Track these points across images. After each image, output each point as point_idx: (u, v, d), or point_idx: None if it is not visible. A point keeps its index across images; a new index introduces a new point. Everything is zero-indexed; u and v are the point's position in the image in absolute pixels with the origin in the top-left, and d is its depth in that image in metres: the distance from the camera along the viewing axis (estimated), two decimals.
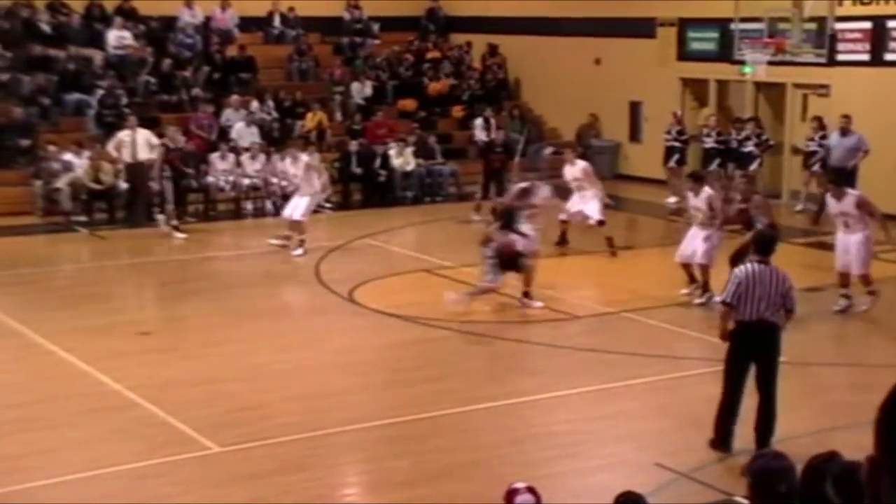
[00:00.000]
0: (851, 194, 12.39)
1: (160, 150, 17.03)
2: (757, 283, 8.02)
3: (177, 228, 16.61)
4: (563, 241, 15.70)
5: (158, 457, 8.28)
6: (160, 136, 17.75)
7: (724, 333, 8.35)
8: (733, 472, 7.24)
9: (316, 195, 15.96)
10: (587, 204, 15.38)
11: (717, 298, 12.13)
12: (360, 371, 10.64)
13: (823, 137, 18.14)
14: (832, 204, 12.34)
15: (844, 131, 17.05)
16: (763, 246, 8.38)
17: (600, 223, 15.32)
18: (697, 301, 12.61)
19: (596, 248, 15.41)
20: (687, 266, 12.88)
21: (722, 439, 8.29)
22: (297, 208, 15.55)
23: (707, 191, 12.86)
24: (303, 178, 15.75)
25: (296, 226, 15.46)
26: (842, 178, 15.77)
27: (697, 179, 13.26)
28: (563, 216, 15.54)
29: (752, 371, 8.25)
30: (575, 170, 15.61)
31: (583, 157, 20.89)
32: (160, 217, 17.02)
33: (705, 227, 12.60)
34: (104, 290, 13.95)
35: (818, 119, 18.53)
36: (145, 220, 17.90)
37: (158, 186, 16.82)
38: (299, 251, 15.25)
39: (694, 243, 12.67)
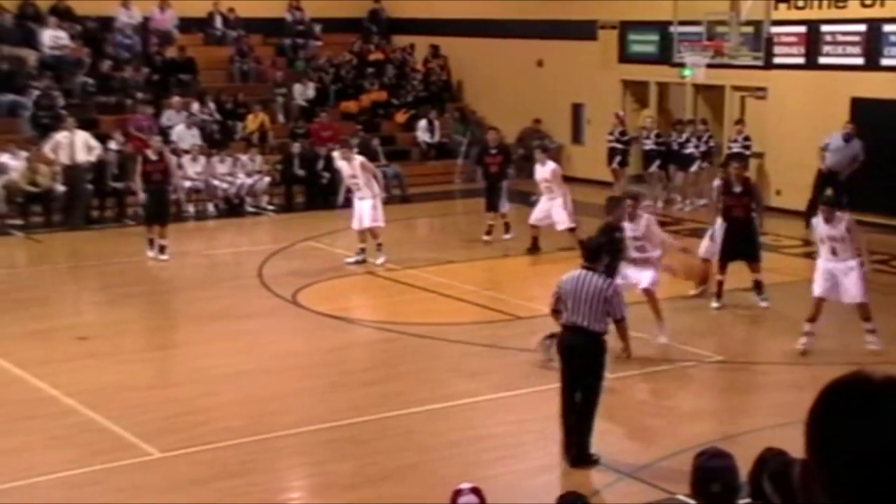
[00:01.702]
0: (843, 218, 10.92)
1: (139, 161, 15.45)
2: (575, 289, 7.91)
3: (151, 243, 15.19)
4: (534, 247, 15.30)
5: (97, 464, 8.13)
6: (142, 150, 16.21)
7: (558, 346, 8.26)
8: (676, 471, 7.30)
9: (378, 197, 14.80)
10: (555, 210, 15.19)
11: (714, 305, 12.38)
12: (303, 374, 10.55)
13: (747, 139, 18.53)
14: (821, 227, 10.79)
15: (848, 137, 16.69)
16: (590, 252, 8.21)
17: (571, 230, 14.91)
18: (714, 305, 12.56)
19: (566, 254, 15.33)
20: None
21: (565, 451, 8.09)
22: (364, 217, 14.54)
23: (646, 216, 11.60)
24: (362, 180, 14.65)
25: (374, 232, 14.66)
26: (837, 190, 15.98)
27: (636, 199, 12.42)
28: (531, 221, 15.34)
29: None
30: (545, 171, 15.42)
31: (526, 159, 21.00)
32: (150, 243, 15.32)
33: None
34: (40, 294, 13.67)
35: (741, 121, 18.91)
36: (83, 224, 17.61)
37: (143, 199, 15.18)
38: (382, 258, 14.62)
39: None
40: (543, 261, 15.30)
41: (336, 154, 20.23)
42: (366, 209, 14.58)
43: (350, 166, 14.86)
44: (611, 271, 9.76)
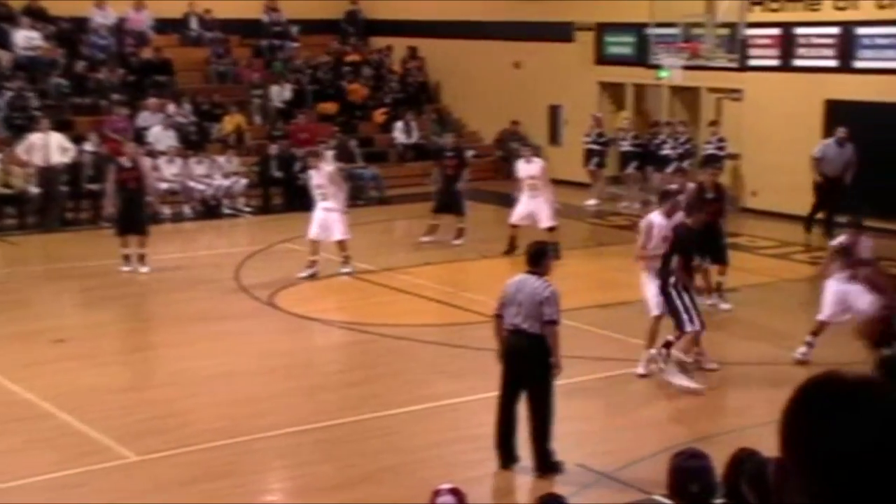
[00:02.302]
0: (867, 241, 10.66)
1: (112, 169, 14.71)
2: (515, 293, 7.90)
3: (126, 259, 14.48)
4: (511, 248, 15.03)
5: (75, 467, 8.09)
6: (118, 154, 15.55)
7: (499, 350, 8.11)
8: (654, 471, 7.35)
9: (343, 210, 14.33)
10: (538, 208, 15.08)
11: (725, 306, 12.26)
12: (281, 376, 10.54)
13: (721, 140, 18.64)
14: (845, 250, 10.30)
15: (842, 142, 16.56)
16: (533, 257, 8.16)
17: (550, 229, 14.83)
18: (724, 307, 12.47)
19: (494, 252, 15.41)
20: None
21: (500, 458, 8.01)
22: (334, 229, 14.12)
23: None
24: (330, 191, 14.17)
25: (343, 245, 14.27)
26: (837, 192, 16.00)
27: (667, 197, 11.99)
28: (513, 220, 15.24)
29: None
30: (531, 167, 15.31)
31: (505, 160, 21.03)
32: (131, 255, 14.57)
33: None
34: (16, 297, 13.58)
35: (715, 123, 19.05)
36: (58, 226, 17.50)
37: (111, 212, 14.62)
38: (348, 268, 14.28)
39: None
40: (521, 262, 15.30)
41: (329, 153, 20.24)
42: (334, 221, 14.08)
43: (318, 175, 14.34)
44: (687, 267, 10.08)
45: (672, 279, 9.93)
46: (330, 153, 20.29)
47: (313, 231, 14.14)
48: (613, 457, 8.42)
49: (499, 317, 8.02)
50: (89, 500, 7.59)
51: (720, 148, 18.83)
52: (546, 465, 7.96)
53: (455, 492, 5.49)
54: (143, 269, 14.32)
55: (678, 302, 9.90)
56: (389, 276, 14.42)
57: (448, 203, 16.33)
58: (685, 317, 9.87)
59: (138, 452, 8.37)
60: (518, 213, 15.24)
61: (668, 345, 10.14)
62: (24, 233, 17.17)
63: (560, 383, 10.20)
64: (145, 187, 14.60)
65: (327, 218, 14.10)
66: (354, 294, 13.75)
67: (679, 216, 10.38)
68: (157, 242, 16.84)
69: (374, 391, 10.02)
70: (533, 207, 15.10)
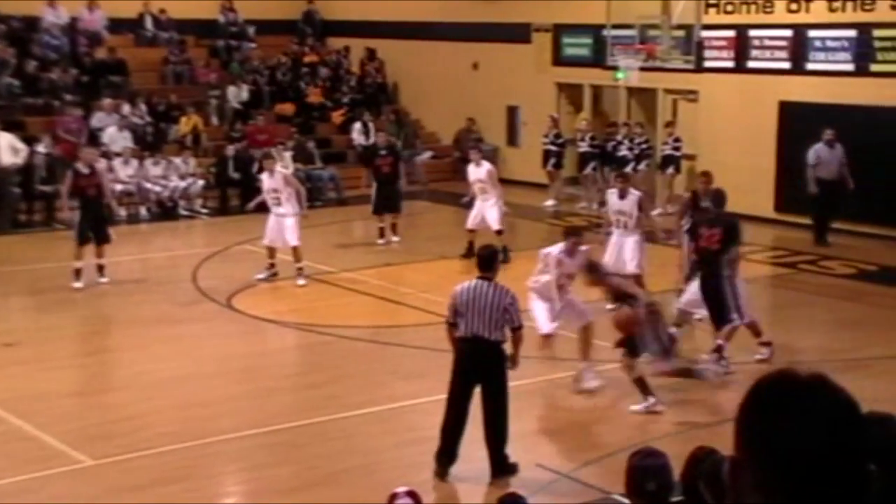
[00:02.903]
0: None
1: (68, 175, 13.91)
2: (472, 300, 7.80)
3: (77, 274, 13.54)
4: (470, 252, 14.64)
5: (27, 472, 7.97)
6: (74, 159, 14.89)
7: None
8: (613, 471, 7.38)
9: (299, 214, 13.97)
10: (488, 211, 15.09)
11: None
12: (239, 378, 10.45)
13: (677, 140, 18.78)
14: None
15: (831, 143, 16.38)
16: (484, 262, 8.12)
17: (498, 232, 14.86)
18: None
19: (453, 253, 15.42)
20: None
21: (440, 462, 7.92)
22: (288, 235, 13.77)
23: (635, 192, 12.44)
24: (284, 195, 13.82)
25: (297, 253, 13.90)
26: (837, 196, 15.84)
27: (625, 180, 12.75)
28: (469, 225, 15.22)
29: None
30: (480, 171, 15.32)
31: (462, 161, 21.05)
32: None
33: (632, 233, 12.13)
34: None
35: (671, 123, 19.22)
36: (10, 228, 17.23)
37: (67, 216, 13.94)
38: (303, 280, 13.86)
39: (623, 252, 12.10)
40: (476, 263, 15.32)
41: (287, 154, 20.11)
42: (288, 227, 13.74)
43: (272, 179, 13.95)
44: (732, 263, 10.26)
45: (726, 272, 10.26)
46: (288, 154, 20.23)
47: (267, 237, 13.94)
48: (571, 456, 8.45)
49: (452, 325, 7.91)
50: None
51: (676, 148, 19.03)
52: (504, 467, 7.96)
53: (412, 494, 5.48)
54: (103, 280, 13.71)
55: (729, 295, 10.19)
56: (348, 278, 14.37)
57: (387, 202, 16.42)
58: (733, 310, 10.23)
59: (92, 457, 8.25)
60: (472, 219, 15.26)
61: (719, 349, 10.38)
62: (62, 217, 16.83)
63: (518, 383, 10.23)
64: (104, 194, 13.99)
65: (280, 223, 13.81)
66: (313, 296, 13.67)
67: (582, 254, 10.15)
68: (112, 244, 16.63)
69: (332, 393, 9.97)
70: (483, 210, 15.13)
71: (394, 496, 5.42)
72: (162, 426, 9.03)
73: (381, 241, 16.37)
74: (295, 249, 13.90)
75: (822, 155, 16.50)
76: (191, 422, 9.14)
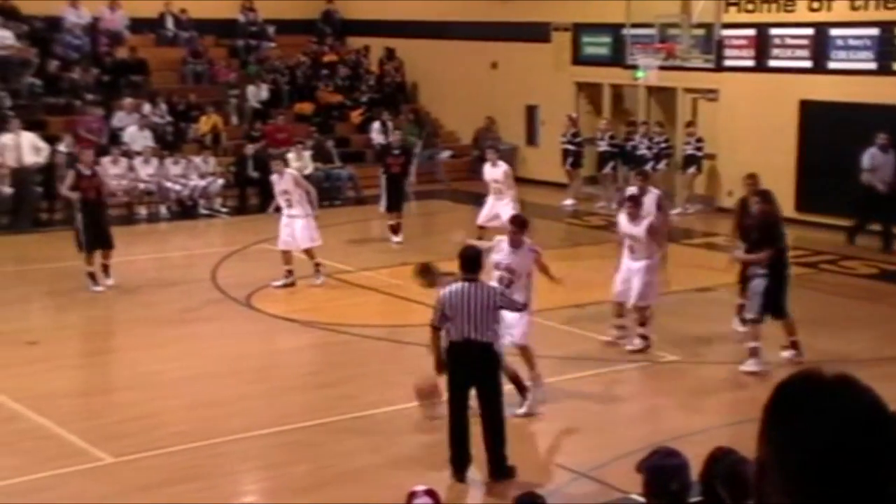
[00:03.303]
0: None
1: (71, 175, 13.49)
2: (461, 303, 7.66)
3: (93, 278, 13.39)
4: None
5: (46, 470, 8.01)
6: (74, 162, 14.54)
7: (438, 361, 7.88)
8: (631, 470, 7.35)
9: (311, 216, 13.79)
10: (503, 211, 15.15)
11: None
12: (257, 377, 10.48)
13: (700, 140, 18.71)
14: None
15: (885, 147, 16.01)
16: (469, 262, 7.92)
17: None
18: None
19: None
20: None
21: (455, 468, 7.85)
22: (299, 237, 13.59)
23: (654, 191, 11.93)
24: (295, 197, 13.69)
25: (311, 253, 13.78)
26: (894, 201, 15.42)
27: (645, 178, 12.34)
28: (479, 221, 15.24)
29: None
30: (496, 171, 15.37)
31: (480, 160, 21.08)
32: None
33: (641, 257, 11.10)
34: None
35: (691, 123, 19.13)
36: (31, 226, 17.33)
37: (76, 225, 13.40)
38: (320, 279, 13.77)
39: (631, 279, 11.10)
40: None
41: (291, 155, 20.17)
42: (298, 229, 13.57)
43: (282, 180, 13.85)
44: (780, 255, 10.29)
45: (761, 269, 10.32)
46: (307, 153, 20.29)
47: (281, 241, 13.82)
48: (590, 455, 8.41)
49: (437, 329, 7.79)
50: (60, 503, 7.51)
51: (699, 148, 18.93)
52: (503, 470, 7.88)
53: (431, 493, 5.47)
54: (109, 282, 13.44)
55: (761, 290, 10.25)
56: (366, 277, 14.37)
57: (398, 200, 16.57)
58: (759, 304, 10.25)
59: (111, 455, 8.29)
60: (485, 215, 15.27)
61: (795, 344, 10.48)
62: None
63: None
64: (105, 196, 13.78)
65: (292, 225, 13.71)
66: (330, 295, 13.69)
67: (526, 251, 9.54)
68: (132, 243, 16.73)
69: (349, 392, 9.97)
70: (499, 209, 15.12)
71: (413, 494, 5.41)
72: (179, 424, 9.06)
73: (395, 240, 16.46)
74: (308, 251, 13.78)
75: (878, 161, 16.14)
76: (207, 420, 9.17)
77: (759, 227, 10.60)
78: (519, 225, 9.69)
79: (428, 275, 9.76)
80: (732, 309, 12.56)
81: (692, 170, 19.01)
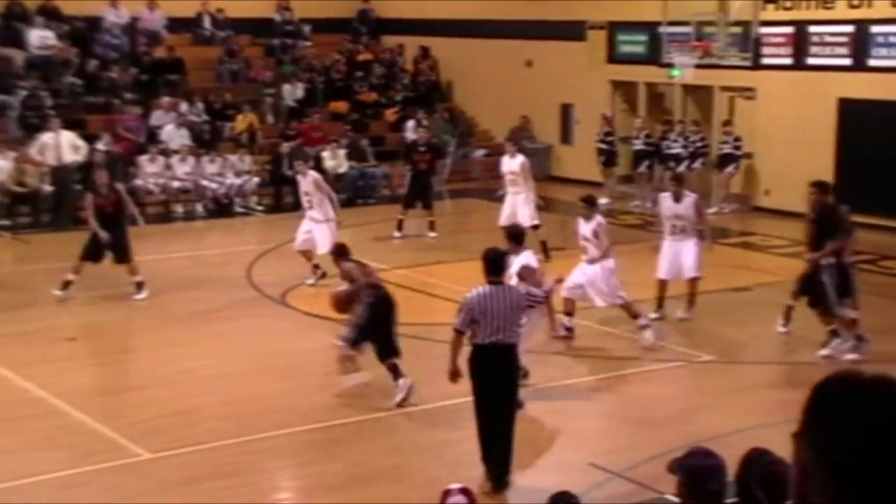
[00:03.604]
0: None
1: (89, 198, 13.41)
2: (490, 307, 7.62)
3: (66, 285, 13.00)
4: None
5: (86, 465, 8.11)
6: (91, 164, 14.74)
7: (454, 367, 7.83)
8: (665, 471, 7.31)
9: (331, 220, 13.73)
10: (520, 206, 15.12)
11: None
12: (291, 375, 10.54)
13: (738, 139, 18.59)
14: None
15: None
16: (494, 265, 7.90)
17: (535, 227, 14.84)
18: (682, 315, 12.09)
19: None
20: (663, 284, 12.05)
21: (489, 466, 7.79)
22: (319, 242, 13.44)
23: (691, 195, 12.17)
24: (315, 199, 13.70)
25: (306, 255, 13.76)
26: None
27: (679, 182, 12.45)
28: (502, 222, 15.35)
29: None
30: (513, 163, 15.38)
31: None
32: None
33: (689, 237, 11.86)
34: (28, 295, 13.61)
35: (728, 122, 18.98)
36: (70, 224, 17.54)
37: (105, 236, 13.07)
38: (311, 280, 13.69)
39: (681, 257, 11.85)
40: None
41: (326, 154, 20.29)
42: (318, 233, 13.47)
43: (304, 181, 13.87)
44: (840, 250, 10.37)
45: (827, 262, 10.44)
46: (342, 152, 20.39)
47: (298, 241, 13.74)
48: (624, 455, 8.39)
49: (461, 333, 7.72)
50: (98, 498, 7.61)
51: (736, 147, 18.77)
52: (505, 482, 7.78)
53: (465, 491, 5.48)
54: (140, 296, 13.17)
55: (830, 285, 10.43)
56: (401, 275, 14.40)
57: (418, 198, 16.72)
58: (832, 300, 10.47)
59: (149, 451, 8.38)
60: (504, 215, 15.21)
61: (860, 338, 10.64)
62: (37, 231, 17.22)
63: (570, 382, 10.21)
64: (124, 213, 13.63)
65: (312, 229, 13.66)
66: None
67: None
68: (168, 241, 16.90)
69: (381, 390, 9.99)
70: (515, 206, 15.06)
71: (447, 493, 5.42)
72: (214, 421, 9.14)
73: (397, 234, 16.66)
74: (304, 253, 13.61)
75: None
76: (242, 417, 9.24)
77: (820, 220, 10.54)
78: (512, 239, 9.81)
79: (338, 254, 10.08)
80: (769, 308, 12.48)
81: (730, 169, 18.87)
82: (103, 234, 13.05)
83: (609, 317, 12.17)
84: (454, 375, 7.84)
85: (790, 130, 18.15)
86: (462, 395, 9.70)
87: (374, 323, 9.42)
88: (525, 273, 9.29)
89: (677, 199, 11.98)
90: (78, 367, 10.58)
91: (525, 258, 9.58)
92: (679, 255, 11.92)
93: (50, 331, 11.80)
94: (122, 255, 13.29)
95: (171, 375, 10.45)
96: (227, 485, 7.87)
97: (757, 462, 4.25)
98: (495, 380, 7.76)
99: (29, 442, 8.62)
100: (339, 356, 9.68)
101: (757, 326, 12.24)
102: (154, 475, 8.04)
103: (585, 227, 11.54)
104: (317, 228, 13.66)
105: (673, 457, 4.27)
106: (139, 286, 13.26)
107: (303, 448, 8.72)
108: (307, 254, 13.80)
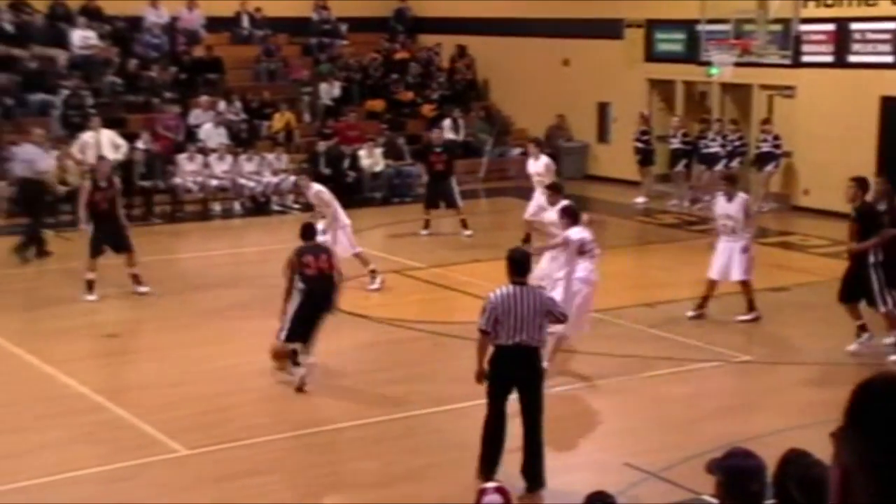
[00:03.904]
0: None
1: (86, 187, 13.47)
2: (513, 307, 7.56)
3: (90, 286, 13.13)
4: (527, 241, 15.19)
5: (126, 460, 8.22)
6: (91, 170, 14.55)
7: (480, 368, 7.77)
8: (702, 471, 7.28)
9: (345, 226, 13.54)
10: (547, 209, 15.23)
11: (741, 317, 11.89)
12: (328, 373, 10.60)
13: (777, 138, 18.42)
14: None
15: None
16: (519, 266, 7.81)
17: None
18: (741, 318, 11.94)
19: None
20: (712, 285, 11.90)
21: (485, 470, 7.71)
22: (340, 245, 13.07)
23: (742, 195, 12.04)
24: (324, 211, 13.57)
25: (360, 259, 13.56)
26: None
27: (732, 182, 12.31)
28: (526, 216, 15.37)
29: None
30: (538, 165, 15.50)
31: (552, 157, 21.12)
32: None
33: (739, 237, 11.76)
34: (69, 292, 13.79)
35: (767, 121, 18.82)
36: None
37: (87, 228, 13.20)
38: (375, 284, 13.53)
39: (731, 258, 11.73)
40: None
41: (362, 152, 20.36)
42: (339, 238, 13.14)
43: (309, 195, 13.80)
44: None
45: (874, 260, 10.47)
46: (379, 150, 20.47)
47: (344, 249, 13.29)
48: (660, 455, 8.36)
49: (486, 333, 7.67)
50: (137, 493, 7.71)
51: (776, 146, 18.59)
52: (542, 479, 7.77)
53: (501, 490, 5.49)
54: (142, 289, 13.20)
55: (876, 281, 10.52)
56: (436, 274, 14.43)
57: (438, 198, 16.82)
58: (879, 298, 10.55)
59: (186, 447, 8.47)
60: (529, 210, 15.37)
61: (865, 328, 10.83)
62: (79, 229, 17.41)
63: (607, 381, 10.18)
64: (118, 208, 13.48)
65: (334, 236, 13.35)
66: (401, 291, 13.78)
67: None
68: (207, 238, 17.05)
69: (421, 388, 10.03)
70: (542, 203, 15.15)
71: (482, 492, 5.44)
72: (252, 418, 9.22)
73: (423, 233, 16.77)
74: (358, 256, 13.50)
75: None
76: (280, 414, 9.31)
77: (861, 218, 10.52)
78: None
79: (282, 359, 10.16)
80: (807, 309, 12.38)
81: (769, 168, 18.70)
82: (88, 227, 13.09)
83: (644, 316, 12.13)
84: (480, 376, 7.82)
85: (830, 129, 17.96)
86: None
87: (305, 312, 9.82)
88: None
89: (729, 198, 11.88)
90: (118, 363, 10.72)
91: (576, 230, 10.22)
92: (730, 257, 11.82)
93: (90, 328, 11.96)
94: (121, 244, 13.23)
95: (208, 372, 10.55)
96: (262, 482, 7.94)
97: (795, 463, 4.22)
98: (514, 382, 7.72)
99: (72, 437, 8.75)
100: (274, 351, 10.11)
101: (796, 327, 12.14)
102: (193, 471, 8.13)
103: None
104: (337, 235, 13.29)
105: (711, 457, 4.25)
106: (138, 279, 13.25)
107: (338, 446, 8.78)
108: (361, 258, 13.56)
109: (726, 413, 9.68)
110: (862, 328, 10.81)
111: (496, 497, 5.40)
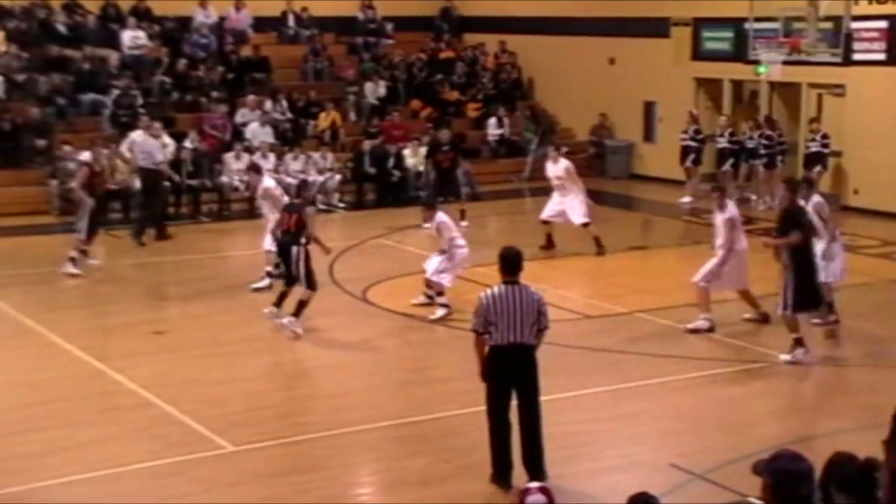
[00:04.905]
0: None
1: (83, 170, 14.72)
2: (505, 307, 7.52)
3: (73, 261, 14.25)
4: (549, 244, 15.51)
5: (174, 455, 8.33)
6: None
7: (483, 369, 7.75)
8: (748, 473, 7.22)
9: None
10: (569, 207, 15.28)
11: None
12: (373, 371, 10.66)
13: (825, 137, 18.20)
14: None
15: None
16: (510, 265, 7.75)
17: (585, 225, 15.27)
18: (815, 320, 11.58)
19: (586, 250, 15.36)
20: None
21: (500, 473, 7.72)
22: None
23: (816, 198, 11.68)
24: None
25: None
26: None
27: (810, 184, 11.99)
28: (543, 216, 15.50)
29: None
30: (557, 168, 15.50)
31: (598, 156, 21.14)
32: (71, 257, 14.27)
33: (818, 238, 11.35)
34: (119, 289, 14.01)
35: (815, 120, 18.57)
36: (160, 220, 17.95)
37: (89, 204, 14.43)
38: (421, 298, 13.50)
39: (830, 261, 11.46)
40: (611, 260, 15.26)
41: (407, 151, 20.42)
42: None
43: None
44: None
45: None
46: (423, 150, 20.50)
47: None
48: (706, 456, 8.30)
49: (480, 334, 7.66)
50: (185, 488, 7.81)
51: (825, 145, 18.38)
52: (545, 470, 7.72)
53: (544, 490, 5.49)
54: (68, 270, 14.17)
55: None
56: (480, 272, 14.43)
57: (448, 190, 17.26)
58: None
59: (233, 443, 8.56)
60: (547, 211, 15.49)
61: None
62: (128, 226, 17.67)
63: (652, 382, 10.14)
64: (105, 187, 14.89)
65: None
66: (451, 291, 13.79)
67: None
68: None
69: (466, 387, 10.00)
70: (564, 205, 15.34)
71: (526, 491, 5.44)
72: (298, 416, 9.29)
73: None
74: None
75: None
76: (327, 412, 9.38)
77: None
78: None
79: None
80: (856, 310, 12.21)
81: (818, 167, 18.46)
82: (89, 201, 14.25)
83: (688, 317, 12.04)
84: (484, 375, 7.83)
85: (881, 128, 17.71)
86: (546, 393, 9.71)
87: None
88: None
89: (806, 201, 11.48)
90: (166, 359, 10.86)
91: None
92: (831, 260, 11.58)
93: (140, 324, 12.12)
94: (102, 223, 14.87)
95: (254, 370, 10.65)
96: (310, 478, 8.01)
97: (840, 467, 4.19)
98: (512, 381, 7.72)
99: (122, 432, 8.88)
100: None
101: (845, 328, 11.98)
102: (240, 467, 8.21)
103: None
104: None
105: (757, 458, 4.23)
106: (73, 261, 14.18)
107: (388, 443, 8.82)
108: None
109: (772, 415, 9.60)
110: None
111: (540, 497, 5.40)
